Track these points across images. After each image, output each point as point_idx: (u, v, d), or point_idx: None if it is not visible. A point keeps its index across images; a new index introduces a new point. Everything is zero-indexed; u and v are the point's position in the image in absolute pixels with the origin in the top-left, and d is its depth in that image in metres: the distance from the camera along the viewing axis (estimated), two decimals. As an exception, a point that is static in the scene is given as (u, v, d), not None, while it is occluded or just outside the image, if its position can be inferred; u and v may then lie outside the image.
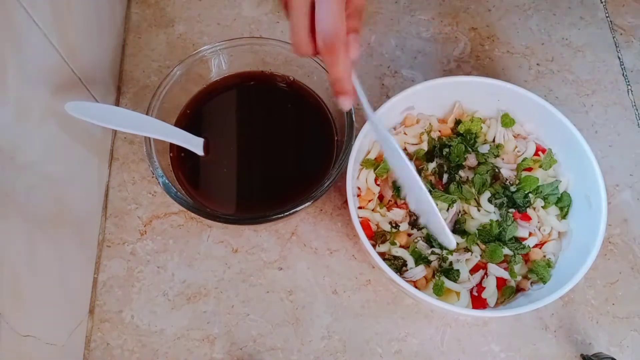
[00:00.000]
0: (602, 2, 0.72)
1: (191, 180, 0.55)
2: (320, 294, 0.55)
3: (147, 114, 0.53)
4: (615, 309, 0.56)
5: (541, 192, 0.54)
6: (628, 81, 0.67)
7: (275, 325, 0.54)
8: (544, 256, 0.52)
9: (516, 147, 0.56)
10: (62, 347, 0.48)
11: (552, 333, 0.55)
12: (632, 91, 0.67)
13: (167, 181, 0.51)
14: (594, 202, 0.50)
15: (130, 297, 0.55)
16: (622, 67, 0.68)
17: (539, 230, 0.53)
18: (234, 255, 0.57)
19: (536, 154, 0.56)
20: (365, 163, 0.55)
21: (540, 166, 0.55)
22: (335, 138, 0.57)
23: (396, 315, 0.55)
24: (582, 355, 0.53)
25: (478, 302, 0.50)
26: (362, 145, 0.53)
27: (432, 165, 0.55)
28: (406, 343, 0.54)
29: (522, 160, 0.55)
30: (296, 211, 0.50)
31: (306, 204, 0.50)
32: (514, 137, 0.57)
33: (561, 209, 0.54)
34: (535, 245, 0.53)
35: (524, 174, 0.55)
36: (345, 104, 0.41)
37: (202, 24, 0.68)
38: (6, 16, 0.41)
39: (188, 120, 0.58)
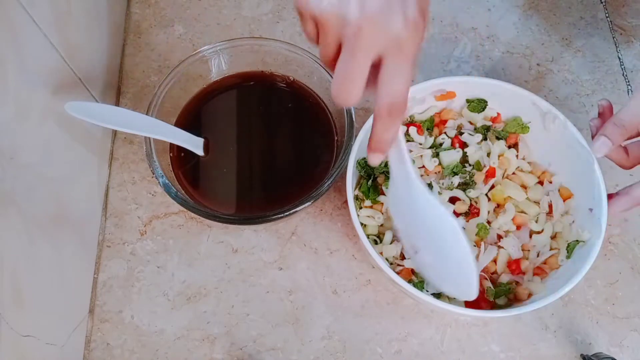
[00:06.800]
0: (602, 2, 0.72)
1: (191, 180, 0.55)
2: (320, 294, 0.55)
3: (147, 114, 0.53)
4: (615, 309, 0.56)
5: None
6: (628, 81, 0.67)
7: (275, 325, 0.54)
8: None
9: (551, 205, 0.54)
10: (62, 347, 0.48)
11: (552, 333, 0.55)
12: (632, 91, 0.66)
13: (167, 181, 0.51)
14: (596, 213, 0.49)
15: (130, 297, 0.55)
16: (622, 67, 0.68)
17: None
18: (234, 255, 0.57)
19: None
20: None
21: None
22: (335, 138, 0.57)
23: (396, 315, 0.55)
24: (582, 355, 0.53)
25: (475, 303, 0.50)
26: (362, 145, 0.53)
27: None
28: (406, 343, 0.54)
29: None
30: (296, 211, 0.50)
31: (306, 204, 0.50)
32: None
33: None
34: None
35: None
36: (375, 160, 0.39)
37: (202, 24, 0.68)
38: (6, 16, 0.41)
39: (188, 120, 0.58)
